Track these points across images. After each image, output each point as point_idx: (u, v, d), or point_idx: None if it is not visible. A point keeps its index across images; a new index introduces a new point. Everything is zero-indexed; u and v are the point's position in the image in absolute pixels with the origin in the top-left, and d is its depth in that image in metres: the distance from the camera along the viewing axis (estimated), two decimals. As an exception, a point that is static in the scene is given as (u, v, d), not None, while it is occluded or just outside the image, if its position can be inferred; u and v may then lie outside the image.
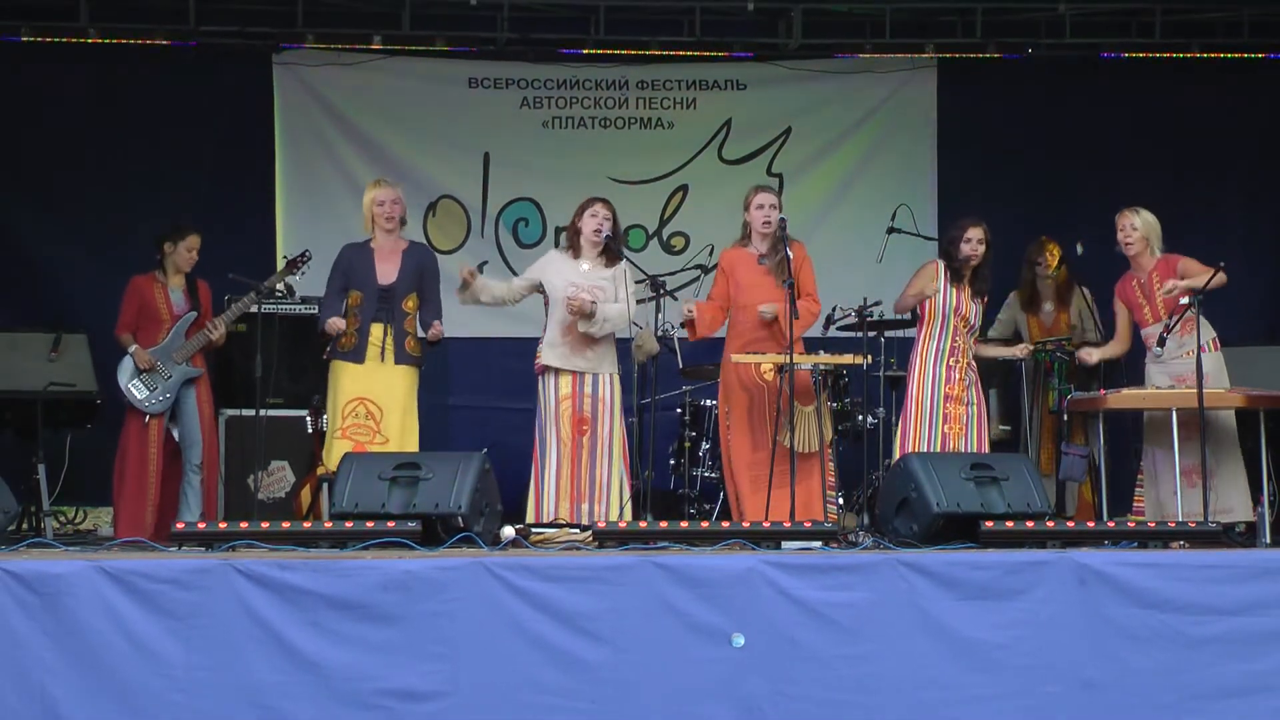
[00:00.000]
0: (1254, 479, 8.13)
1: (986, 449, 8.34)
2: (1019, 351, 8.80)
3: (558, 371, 8.17)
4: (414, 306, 8.28)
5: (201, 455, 8.69)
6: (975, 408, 8.35)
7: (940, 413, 8.31)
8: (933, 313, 8.37)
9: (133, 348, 8.62)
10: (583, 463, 8.14)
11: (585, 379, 8.18)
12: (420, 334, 8.33)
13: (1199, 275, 8.03)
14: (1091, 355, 8.58)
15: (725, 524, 7.69)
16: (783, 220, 8.14)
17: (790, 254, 8.05)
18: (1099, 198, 10.42)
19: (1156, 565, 6.63)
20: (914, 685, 6.45)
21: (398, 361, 8.20)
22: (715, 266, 10.39)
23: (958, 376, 8.32)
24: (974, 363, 8.42)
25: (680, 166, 10.69)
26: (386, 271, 8.25)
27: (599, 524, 7.37)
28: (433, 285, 8.40)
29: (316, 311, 9.24)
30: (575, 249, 8.26)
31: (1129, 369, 8.68)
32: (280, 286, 8.83)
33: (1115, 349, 8.60)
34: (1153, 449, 8.22)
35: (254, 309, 8.58)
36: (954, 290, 8.36)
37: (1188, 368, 7.94)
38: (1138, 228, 8.26)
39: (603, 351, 8.23)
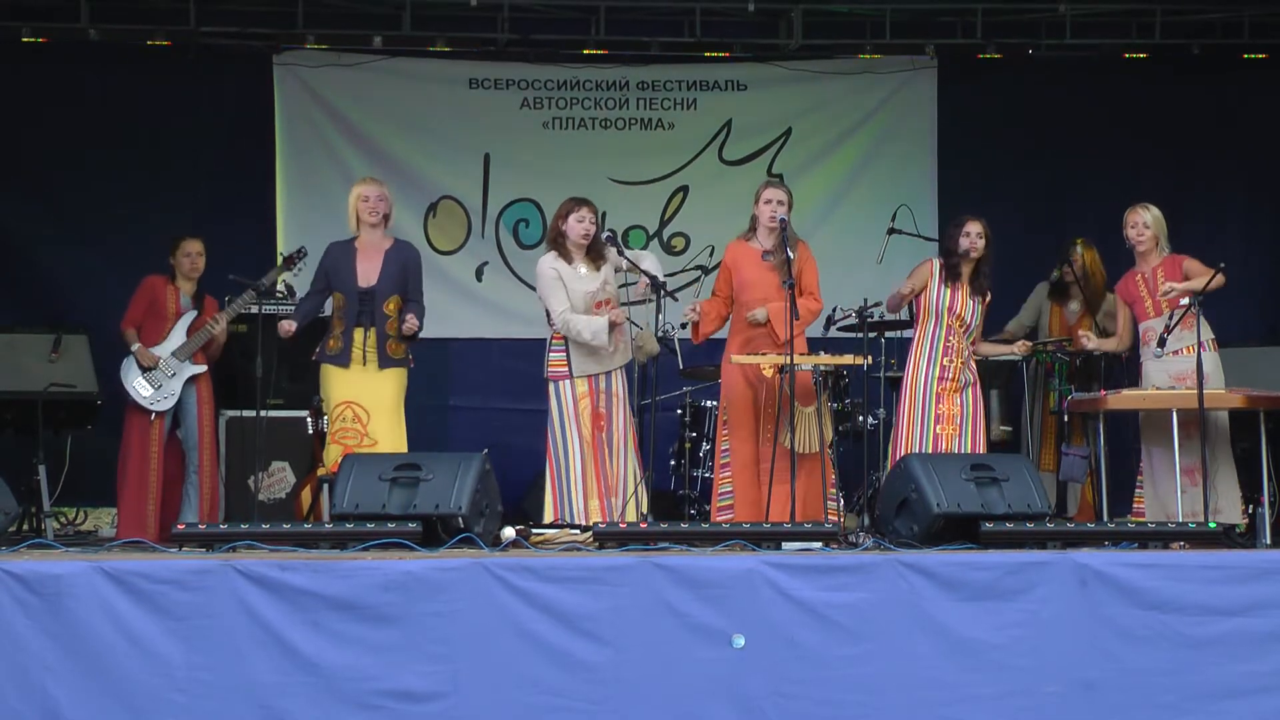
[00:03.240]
0: (1253, 479, 8.12)
1: (982, 450, 8.32)
2: (1017, 349, 8.78)
3: (574, 378, 8.15)
4: (395, 308, 8.21)
5: (199, 456, 8.71)
6: (971, 408, 8.32)
7: (933, 413, 8.30)
8: (926, 311, 8.32)
9: (135, 346, 8.64)
10: (605, 459, 8.14)
11: (599, 378, 8.17)
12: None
13: (1200, 277, 8.04)
14: (1090, 340, 8.55)
15: (726, 524, 7.69)
16: (783, 221, 8.13)
17: (793, 255, 8.02)
18: (1099, 198, 10.45)
19: (1157, 566, 6.64)
20: (914, 685, 6.46)
21: (381, 366, 8.16)
22: (716, 267, 10.50)
23: (951, 375, 8.29)
24: (972, 364, 8.39)
25: (681, 167, 10.69)
26: (367, 273, 8.20)
27: (600, 524, 7.38)
28: (416, 283, 8.35)
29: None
30: (565, 255, 8.23)
31: (1129, 369, 8.68)
32: (281, 287, 8.83)
33: (1114, 344, 8.58)
34: (1150, 448, 8.23)
35: (254, 309, 8.58)
36: (948, 289, 8.33)
37: (1188, 366, 7.94)
38: (1149, 225, 8.26)
39: (626, 342, 8.22)
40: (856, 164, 10.71)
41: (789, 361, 7.78)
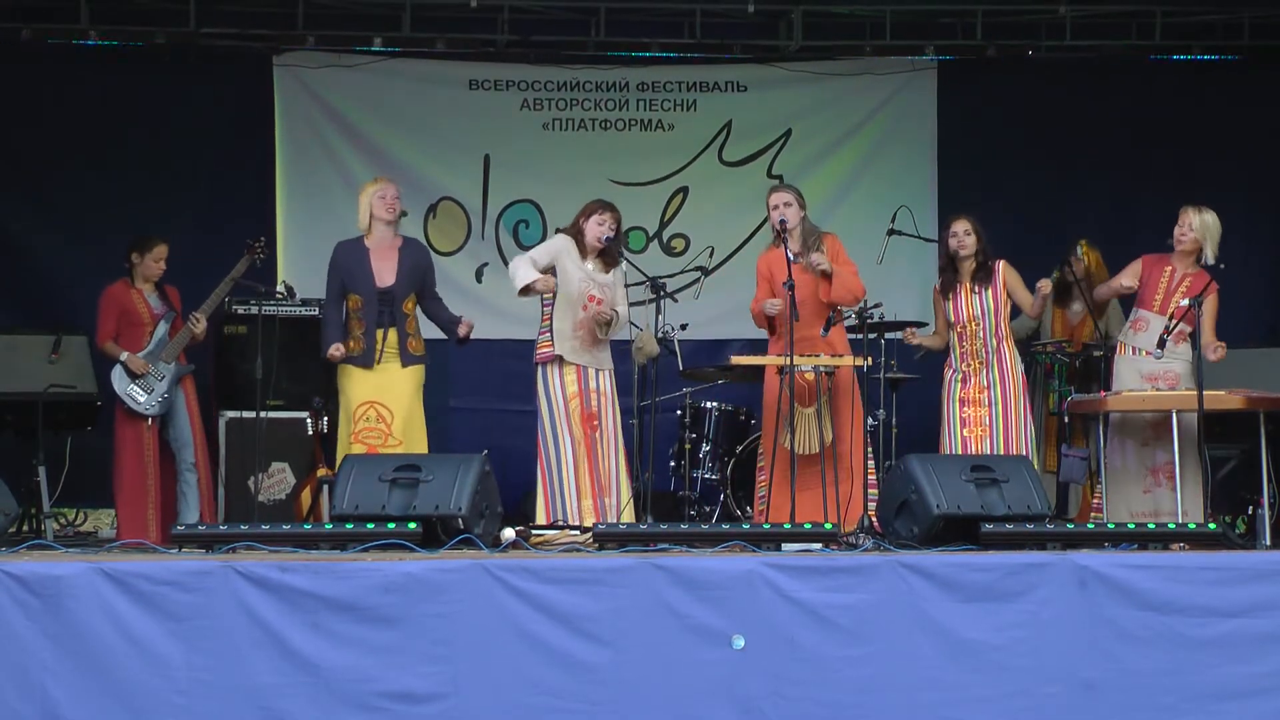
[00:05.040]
0: (1253, 480, 8.11)
1: (1024, 448, 8.30)
2: (1042, 288, 8.50)
3: (562, 366, 8.15)
4: (413, 307, 8.30)
5: (194, 454, 8.72)
6: (1000, 407, 8.35)
7: (958, 417, 8.37)
8: (942, 331, 8.55)
9: (124, 355, 8.64)
10: (598, 458, 8.15)
11: (589, 373, 8.19)
12: (421, 334, 8.34)
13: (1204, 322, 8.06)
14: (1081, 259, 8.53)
15: (725, 525, 7.70)
16: (783, 222, 8.16)
17: (814, 253, 8.16)
18: (1099, 198, 10.47)
19: (1157, 567, 6.64)
20: (914, 687, 6.46)
21: (405, 364, 8.21)
22: (716, 268, 10.53)
23: (974, 381, 8.36)
24: (1003, 362, 8.39)
25: (681, 168, 10.68)
26: (384, 272, 8.23)
27: (600, 525, 7.37)
28: (432, 282, 8.43)
29: (318, 314, 9.24)
30: (581, 249, 8.26)
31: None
32: (281, 288, 8.83)
33: (1103, 288, 8.59)
34: (1122, 442, 8.22)
35: (255, 310, 8.59)
36: (949, 301, 8.43)
37: (1157, 367, 8.09)
38: (1195, 228, 8.23)
39: (604, 347, 8.28)
40: (857, 165, 10.70)
41: (789, 362, 7.79)
